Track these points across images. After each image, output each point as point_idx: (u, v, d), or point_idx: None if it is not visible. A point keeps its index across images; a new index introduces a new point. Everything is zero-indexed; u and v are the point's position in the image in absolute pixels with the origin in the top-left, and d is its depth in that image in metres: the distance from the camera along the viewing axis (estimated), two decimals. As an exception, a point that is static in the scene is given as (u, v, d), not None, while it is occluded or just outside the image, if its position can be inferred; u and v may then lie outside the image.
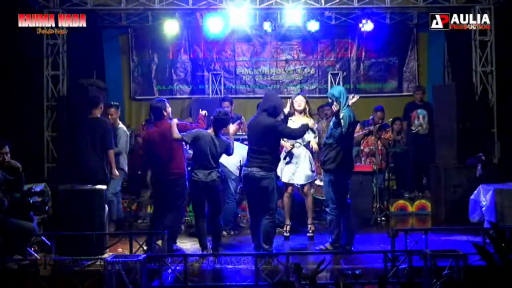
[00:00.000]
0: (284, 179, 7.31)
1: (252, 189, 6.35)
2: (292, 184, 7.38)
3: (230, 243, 7.31)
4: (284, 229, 7.50)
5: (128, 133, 8.06)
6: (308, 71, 11.41)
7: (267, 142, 6.27)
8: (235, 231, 7.84)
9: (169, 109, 6.84)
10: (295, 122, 7.20)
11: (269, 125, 6.26)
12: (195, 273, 5.83)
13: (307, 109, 7.38)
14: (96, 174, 7.25)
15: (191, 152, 6.96)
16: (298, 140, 7.23)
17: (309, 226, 7.43)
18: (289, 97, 9.65)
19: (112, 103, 8.44)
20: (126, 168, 8.00)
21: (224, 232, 7.62)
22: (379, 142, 8.74)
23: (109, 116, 8.06)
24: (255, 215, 6.42)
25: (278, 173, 7.25)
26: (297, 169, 7.27)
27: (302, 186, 7.38)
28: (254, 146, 6.29)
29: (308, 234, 7.40)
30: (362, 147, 8.95)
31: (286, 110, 6.62)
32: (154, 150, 6.74)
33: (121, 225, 8.03)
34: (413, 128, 9.89)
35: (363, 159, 8.94)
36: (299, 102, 7.31)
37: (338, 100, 6.41)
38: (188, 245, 7.15)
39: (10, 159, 6.00)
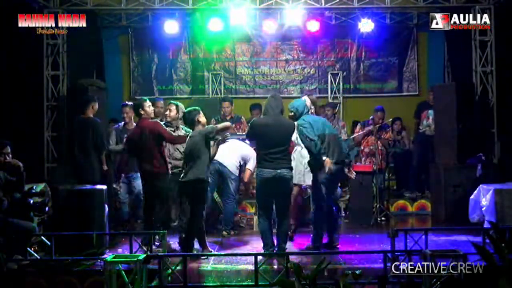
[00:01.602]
0: (294, 180, 7.32)
1: (279, 190, 6.34)
2: (296, 185, 7.41)
3: (230, 243, 7.31)
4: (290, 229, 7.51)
5: None
6: (308, 71, 11.41)
7: (289, 142, 6.50)
8: (235, 231, 7.84)
9: (148, 108, 6.80)
10: None
11: (294, 127, 6.51)
12: (195, 273, 5.84)
13: (312, 109, 7.37)
14: (84, 174, 7.26)
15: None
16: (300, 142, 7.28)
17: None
18: (289, 97, 9.70)
19: (127, 102, 8.49)
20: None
21: (224, 232, 7.62)
22: (379, 142, 8.75)
23: (124, 115, 8.08)
24: (268, 216, 6.45)
25: None
26: (306, 170, 7.26)
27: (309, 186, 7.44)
28: (281, 147, 6.27)
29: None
30: (362, 147, 8.96)
31: None
32: (136, 149, 6.84)
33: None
34: (420, 128, 9.89)
35: (363, 159, 8.95)
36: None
37: (299, 112, 6.67)
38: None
39: (11, 159, 6.01)
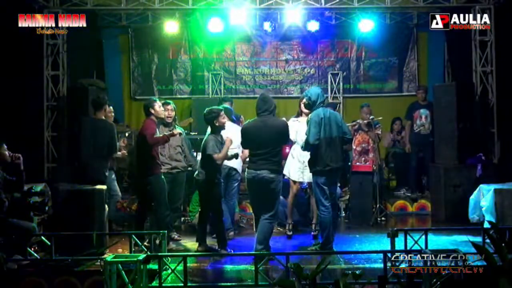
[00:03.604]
0: (294, 177, 7.35)
1: (260, 191, 6.32)
2: (298, 183, 7.43)
3: (230, 243, 7.31)
4: (287, 228, 7.53)
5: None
6: (308, 71, 11.41)
7: (281, 143, 6.40)
8: (235, 231, 7.83)
9: (158, 108, 6.83)
10: (301, 122, 7.24)
11: (285, 126, 6.43)
12: (195, 273, 5.84)
13: None
14: (97, 175, 7.22)
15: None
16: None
17: (313, 225, 7.48)
18: (289, 97, 9.70)
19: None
20: None
21: (231, 233, 7.59)
22: (370, 140, 8.73)
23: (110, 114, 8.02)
24: (259, 216, 6.44)
25: (286, 172, 7.32)
26: (305, 168, 7.28)
27: (309, 185, 7.45)
28: (265, 149, 6.22)
29: (313, 233, 7.45)
30: (354, 146, 8.95)
31: None
32: (135, 148, 7.02)
33: None
34: (415, 128, 9.89)
35: (356, 158, 8.94)
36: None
37: (311, 100, 6.63)
38: (188, 245, 7.16)
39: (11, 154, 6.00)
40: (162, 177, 6.90)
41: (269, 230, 6.33)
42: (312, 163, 6.59)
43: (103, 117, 7.41)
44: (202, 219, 6.83)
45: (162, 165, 7.19)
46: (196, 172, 6.80)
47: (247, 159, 6.91)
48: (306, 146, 6.56)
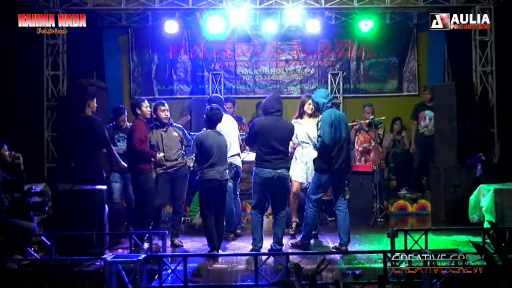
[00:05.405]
0: (297, 178, 7.35)
1: (277, 189, 6.48)
2: (300, 183, 7.44)
3: (230, 243, 7.32)
4: (290, 227, 7.54)
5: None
6: (308, 71, 11.40)
7: (288, 144, 6.69)
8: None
9: (144, 108, 6.86)
10: (302, 125, 7.25)
11: (293, 127, 6.68)
12: (195, 273, 5.84)
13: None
14: (84, 174, 7.18)
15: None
16: (307, 141, 7.29)
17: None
18: (289, 97, 9.67)
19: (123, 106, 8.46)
20: None
21: (232, 235, 7.58)
22: (372, 140, 8.75)
23: (122, 122, 7.98)
24: (262, 213, 6.62)
25: (290, 173, 7.37)
26: (308, 169, 7.28)
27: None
28: (281, 148, 6.41)
29: (313, 232, 7.47)
30: (357, 146, 8.94)
31: None
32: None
33: None
34: (419, 129, 9.89)
35: (357, 158, 8.93)
36: (312, 105, 7.29)
37: (315, 102, 6.78)
38: (188, 245, 7.16)
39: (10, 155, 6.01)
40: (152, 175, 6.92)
41: (284, 227, 6.72)
42: (317, 162, 6.64)
43: (90, 113, 7.33)
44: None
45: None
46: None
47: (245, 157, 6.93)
48: (322, 147, 6.52)
